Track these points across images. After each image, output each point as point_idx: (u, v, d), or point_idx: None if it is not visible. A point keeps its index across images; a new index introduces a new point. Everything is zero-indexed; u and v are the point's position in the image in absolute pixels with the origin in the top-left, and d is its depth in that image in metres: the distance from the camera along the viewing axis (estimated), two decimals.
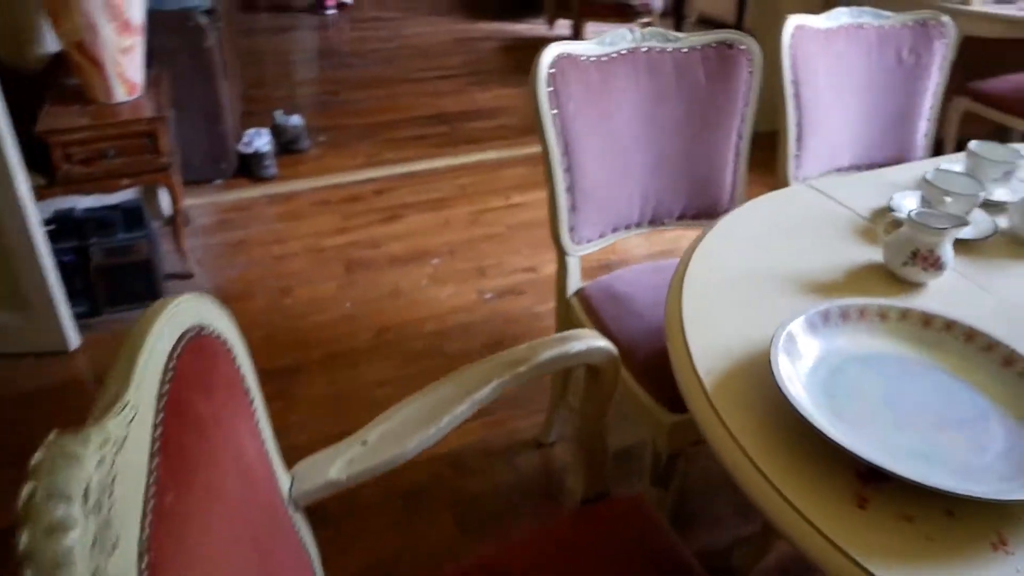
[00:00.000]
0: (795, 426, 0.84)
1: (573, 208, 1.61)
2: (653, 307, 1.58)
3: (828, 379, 0.94)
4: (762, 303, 1.11)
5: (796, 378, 0.92)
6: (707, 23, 5.52)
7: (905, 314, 1.02)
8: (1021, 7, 3.03)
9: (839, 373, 0.95)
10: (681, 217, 1.80)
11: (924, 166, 1.62)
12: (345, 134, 3.64)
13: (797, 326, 0.98)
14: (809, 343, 0.98)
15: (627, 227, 1.74)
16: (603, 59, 1.60)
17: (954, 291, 1.16)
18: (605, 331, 1.56)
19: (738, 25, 4.91)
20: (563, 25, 5.28)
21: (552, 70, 1.53)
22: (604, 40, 1.62)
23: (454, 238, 2.84)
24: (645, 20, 4.75)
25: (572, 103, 1.55)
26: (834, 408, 0.89)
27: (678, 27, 4.55)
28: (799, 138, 1.95)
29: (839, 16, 1.98)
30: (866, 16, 2.01)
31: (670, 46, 1.68)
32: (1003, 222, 1.36)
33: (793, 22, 1.90)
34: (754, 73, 1.73)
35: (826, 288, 1.15)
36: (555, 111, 1.54)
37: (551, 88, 1.53)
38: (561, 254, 1.66)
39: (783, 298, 1.12)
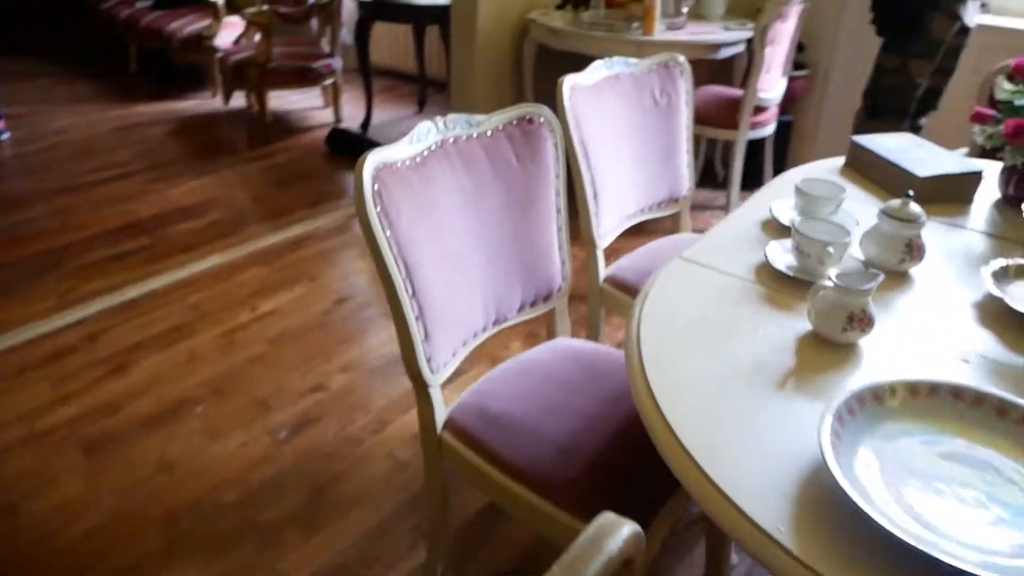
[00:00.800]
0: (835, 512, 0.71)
1: (427, 337, 1.36)
2: (541, 416, 1.39)
3: (894, 469, 0.82)
4: (734, 405, 0.97)
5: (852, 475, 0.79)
6: (388, 74, 5.44)
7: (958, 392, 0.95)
8: (692, 31, 3.33)
9: (904, 462, 0.84)
10: (521, 308, 1.62)
11: (751, 213, 1.62)
12: (16, 273, 2.92)
13: (831, 422, 0.86)
14: (849, 435, 0.87)
15: (475, 336, 1.52)
16: (418, 160, 1.37)
17: (882, 339, 1.13)
18: (502, 463, 1.33)
19: (421, 76, 4.89)
20: (239, 96, 4.86)
21: (376, 186, 1.26)
22: (412, 138, 1.39)
23: (210, 373, 2.38)
24: (330, 81, 4.53)
25: (402, 218, 1.30)
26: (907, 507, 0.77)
27: (367, 83, 4.39)
28: (595, 196, 1.89)
29: (598, 69, 1.96)
30: (618, 66, 2.02)
31: (475, 131, 1.50)
32: (859, 255, 1.38)
33: (568, 82, 1.83)
34: (558, 143, 1.62)
35: (782, 373, 1.05)
36: (388, 232, 1.27)
37: (379, 208, 1.26)
38: (422, 389, 1.40)
39: (755, 398, 0.99)
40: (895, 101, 2.79)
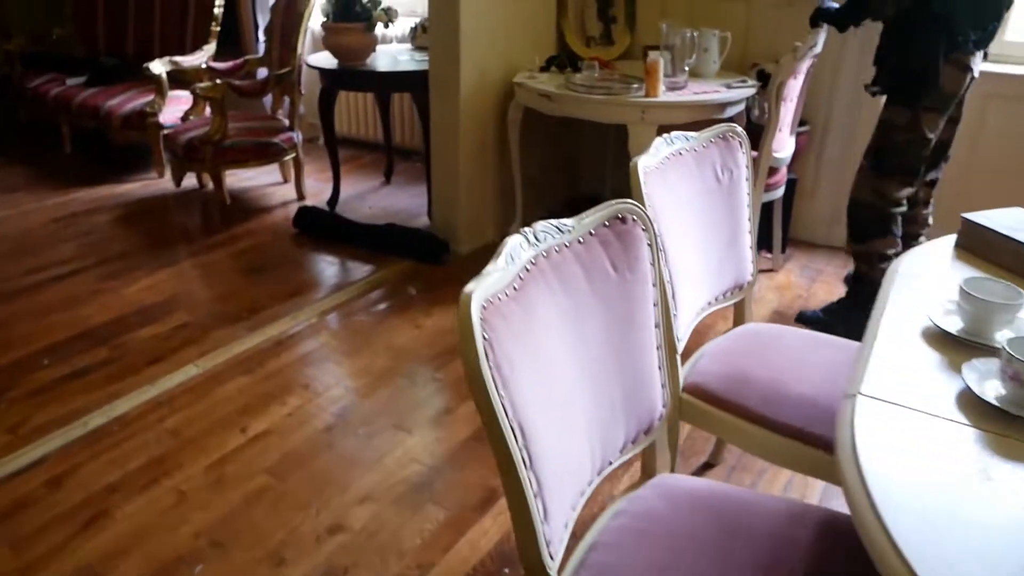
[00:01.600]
0: None
1: (545, 516, 1.05)
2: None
3: None
4: None
5: None
6: (348, 143, 5.15)
7: None
8: (694, 91, 3.15)
9: None
10: (623, 447, 1.33)
11: (895, 320, 1.37)
12: None
13: None
14: None
15: (582, 494, 1.22)
16: (515, 287, 1.09)
17: None
18: None
19: (388, 145, 4.61)
20: (189, 176, 4.48)
21: (485, 334, 0.97)
22: (508, 258, 1.10)
23: (205, 520, 2.01)
24: (291, 156, 4.21)
25: (515, 369, 1.01)
26: None
27: (334, 156, 4.09)
28: (673, 295, 1.63)
29: (660, 148, 1.72)
30: (678, 142, 1.78)
31: (567, 238, 1.22)
32: None
33: (640, 166, 1.58)
34: (653, 243, 1.35)
35: None
36: (502, 392, 0.98)
37: (491, 362, 0.96)
38: None
39: None
40: (908, 158, 2.65)
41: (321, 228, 3.79)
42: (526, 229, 1.17)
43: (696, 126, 3.16)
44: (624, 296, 1.30)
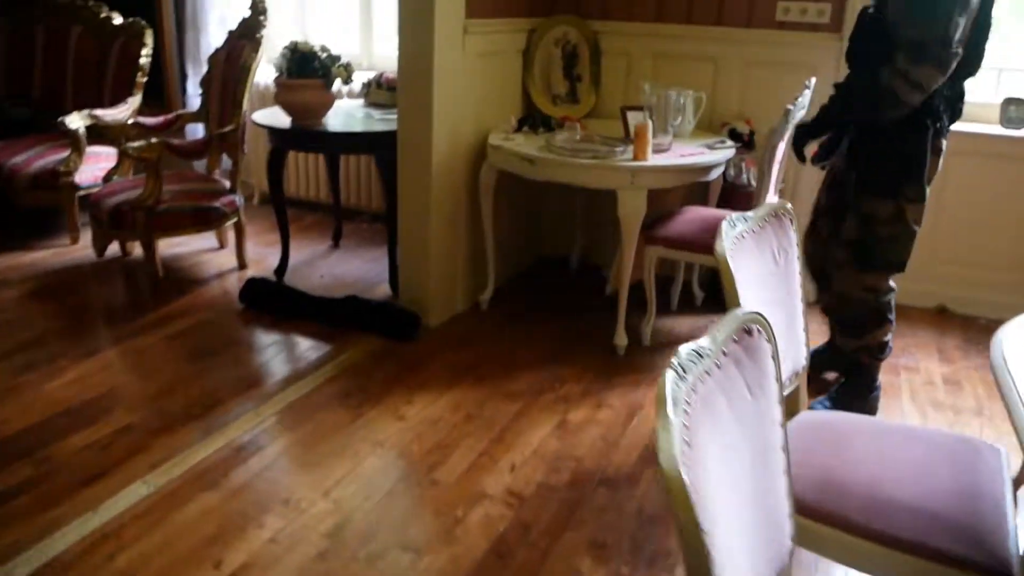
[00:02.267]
0: None
1: None
2: None
3: None
4: None
5: None
6: (292, 203, 4.77)
7: None
8: (679, 153, 3.00)
9: None
10: None
11: None
12: None
13: None
14: None
15: None
16: (687, 440, 0.83)
17: None
18: None
19: (336, 207, 4.28)
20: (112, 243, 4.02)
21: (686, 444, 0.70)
22: (673, 405, 0.85)
23: None
24: (232, 221, 3.83)
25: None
26: None
27: (282, 222, 3.73)
28: None
29: (727, 232, 1.52)
30: (739, 224, 1.59)
31: (707, 364, 0.99)
32: None
33: (727, 256, 1.37)
34: (776, 357, 1.13)
35: None
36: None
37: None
38: None
39: None
40: (895, 251, 2.53)
41: (273, 303, 3.42)
42: (674, 362, 0.92)
43: (682, 188, 3.02)
44: (759, 420, 1.08)
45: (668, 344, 3.20)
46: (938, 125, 2.40)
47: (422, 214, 3.15)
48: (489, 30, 3.23)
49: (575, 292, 3.73)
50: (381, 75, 3.90)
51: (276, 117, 3.50)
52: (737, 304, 1.32)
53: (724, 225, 1.53)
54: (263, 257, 4.07)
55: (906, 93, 2.26)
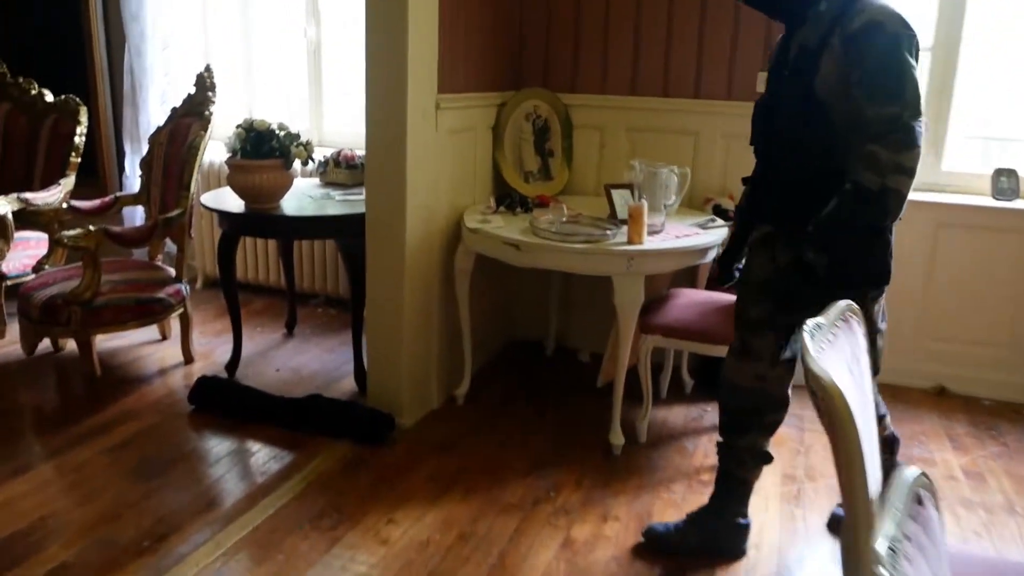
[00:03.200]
0: None
1: None
2: None
3: None
4: None
5: None
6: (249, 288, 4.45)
7: None
8: (674, 234, 2.83)
9: None
10: None
11: None
12: None
13: None
14: None
15: None
16: None
17: None
18: None
19: (291, 292, 3.99)
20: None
21: None
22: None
23: None
24: (178, 312, 3.50)
25: None
26: None
27: (234, 313, 3.42)
28: None
29: (808, 344, 1.30)
30: (818, 332, 1.37)
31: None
32: None
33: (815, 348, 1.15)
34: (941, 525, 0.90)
35: None
36: None
37: None
38: None
39: None
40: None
41: (226, 404, 3.09)
42: (878, 552, 0.69)
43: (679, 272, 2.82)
44: None
45: (665, 439, 2.97)
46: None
47: (394, 303, 2.90)
48: (460, 105, 3.05)
49: (555, 380, 3.49)
50: (339, 152, 3.68)
51: (227, 200, 3.23)
52: (860, 458, 1.07)
53: (805, 338, 1.31)
54: (211, 349, 3.73)
55: (906, 186, 1.89)
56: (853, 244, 1.96)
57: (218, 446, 2.89)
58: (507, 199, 3.16)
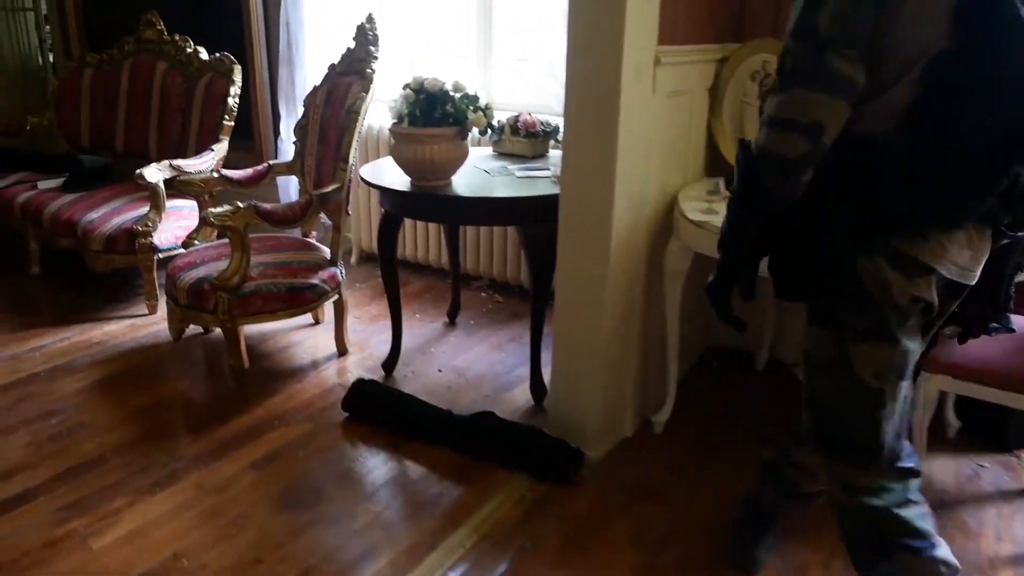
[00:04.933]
0: None
1: None
2: None
3: None
4: None
5: None
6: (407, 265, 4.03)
7: None
8: None
9: None
10: None
11: None
12: None
13: None
14: None
15: None
16: None
17: None
18: None
19: (455, 278, 3.50)
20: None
21: None
22: None
23: None
24: (333, 299, 3.08)
25: None
26: None
27: (394, 305, 2.97)
28: None
29: None
30: None
31: None
32: None
33: None
34: None
35: None
36: None
37: None
38: None
39: None
40: (845, 422, 1.55)
41: (385, 415, 2.64)
42: None
43: None
44: None
45: (935, 506, 2.24)
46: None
47: (592, 308, 2.32)
48: (680, 60, 2.39)
49: (772, 404, 2.82)
50: (517, 117, 3.11)
51: (388, 173, 2.74)
52: None
53: None
54: (367, 338, 3.32)
55: (777, 143, 1.38)
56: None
57: (375, 470, 2.44)
58: (730, 181, 2.48)
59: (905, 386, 1.48)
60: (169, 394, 2.92)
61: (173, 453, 2.52)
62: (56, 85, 4.57)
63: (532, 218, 2.52)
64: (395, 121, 2.58)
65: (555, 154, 3.06)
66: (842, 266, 1.42)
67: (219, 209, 2.72)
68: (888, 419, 1.48)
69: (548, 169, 2.80)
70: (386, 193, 2.69)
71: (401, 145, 2.57)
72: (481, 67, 3.75)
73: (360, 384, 2.73)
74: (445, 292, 3.66)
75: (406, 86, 2.54)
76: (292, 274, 2.92)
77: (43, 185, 4.06)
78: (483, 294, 3.84)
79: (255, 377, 3.00)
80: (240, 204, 2.73)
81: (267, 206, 2.81)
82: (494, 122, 2.66)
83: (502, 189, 2.60)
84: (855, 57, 1.29)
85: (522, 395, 2.84)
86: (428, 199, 2.61)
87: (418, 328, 3.46)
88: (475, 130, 2.57)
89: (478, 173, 2.80)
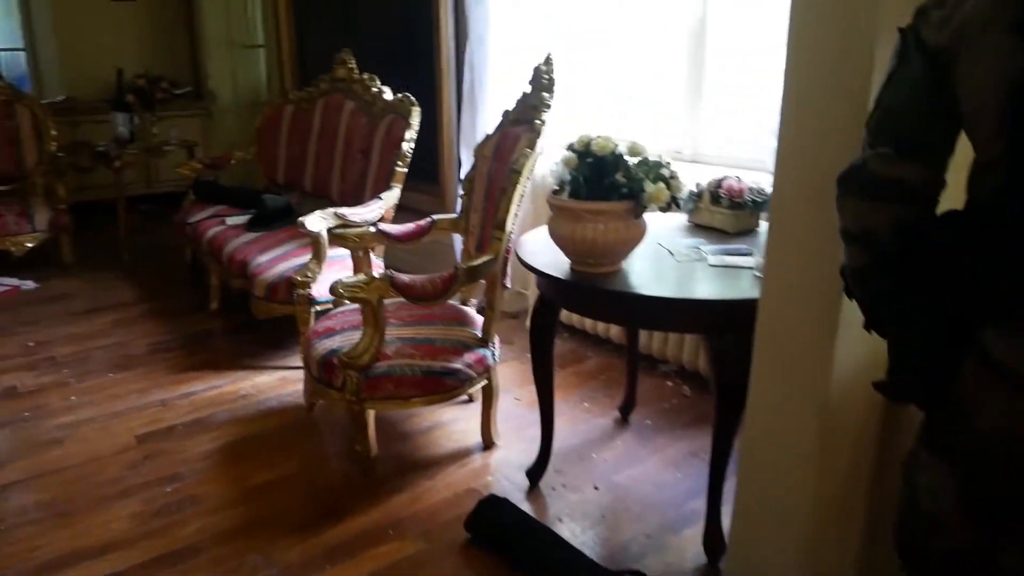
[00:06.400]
0: None
1: None
2: None
3: None
4: None
5: None
6: (577, 334, 3.52)
7: None
8: None
9: None
10: None
11: None
12: None
13: None
14: None
15: None
16: None
17: None
18: None
19: (632, 361, 2.90)
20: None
21: None
22: None
23: None
24: (480, 385, 2.61)
25: None
26: None
27: (546, 400, 2.44)
28: None
29: None
30: None
31: None
32: None
33: None
34: None
35: None
36: None
37: None
38: None
39: None
40: None
41: (511, 548, 2.12)
42: None
43: None
44: None
45: None
46: None
47: (794, 453, 1.65)
48: None
49: None
50: (720, 181, 2.48)
51: (549, 252, 2.22)
52: None
53: None
54: (523, 427, 2.82)
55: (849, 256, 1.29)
56: None
57: None
58: None
59: None
60: (290, 474, 2.60)
61: (269, 556, 2.17)
62: (260, 121, 4.60)
63: (722, 326, 1.89)
64: (554, 189, 2.06)
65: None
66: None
67: (349, 280, 2.36)
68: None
69: (754, 255, 2.14)
70: (543, 278, 2.18)
71: (559, 220, 2.04)
72: (690, 106, 3.15)
73: (489, 504, 2.23)
74: (621, 376, 3.07)
75: (569, 146, 2.01)
76: (432, 355, 2.49)
77: (231, 221, 4.03)
78: (668, 383, 3.21)
79: (384, 464, 2.62)
80: (375, 275, 2.35)
81: (405, 278, 2.40)
82: (681, 195, 2.03)
83: (684, 283, 1.99)
84: (894, 157, 1.18)
85: (693, 543, 2.19)
86: (584, 290, 2.06)
87: (583, 422, 2.90)
88: (654, 207, 1.98)
89: (659, 254, 2.21)
